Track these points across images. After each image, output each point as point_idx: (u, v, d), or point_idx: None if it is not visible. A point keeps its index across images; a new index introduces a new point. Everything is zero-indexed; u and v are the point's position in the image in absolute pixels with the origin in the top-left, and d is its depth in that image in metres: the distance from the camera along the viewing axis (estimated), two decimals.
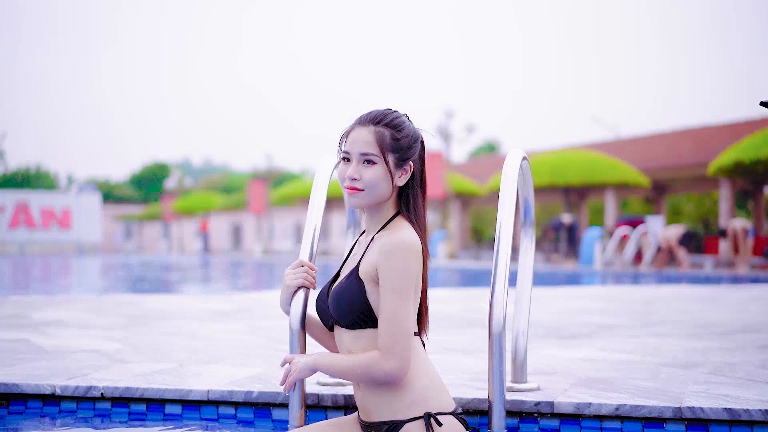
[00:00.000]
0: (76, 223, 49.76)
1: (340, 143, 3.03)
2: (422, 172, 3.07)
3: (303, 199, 38.22)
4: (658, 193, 35.12)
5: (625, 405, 3.51)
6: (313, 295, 3.25)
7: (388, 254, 2.84)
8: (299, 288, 3.15)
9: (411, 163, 3.00)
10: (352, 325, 2.95)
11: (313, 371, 2.97)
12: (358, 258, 3.01)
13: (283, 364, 3.03)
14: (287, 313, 3.17)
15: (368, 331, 2.93)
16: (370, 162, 2.93)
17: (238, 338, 6.01)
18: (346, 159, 2.99)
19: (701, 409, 3.45)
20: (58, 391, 3.93)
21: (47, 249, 49.96)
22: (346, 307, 2.92)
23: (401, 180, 2.99)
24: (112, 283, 17.45)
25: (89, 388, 3.91)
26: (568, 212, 29.91)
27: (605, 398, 3.64)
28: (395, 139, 2.95)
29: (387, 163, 2.93)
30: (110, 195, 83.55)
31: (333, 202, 37.41)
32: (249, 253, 47.60)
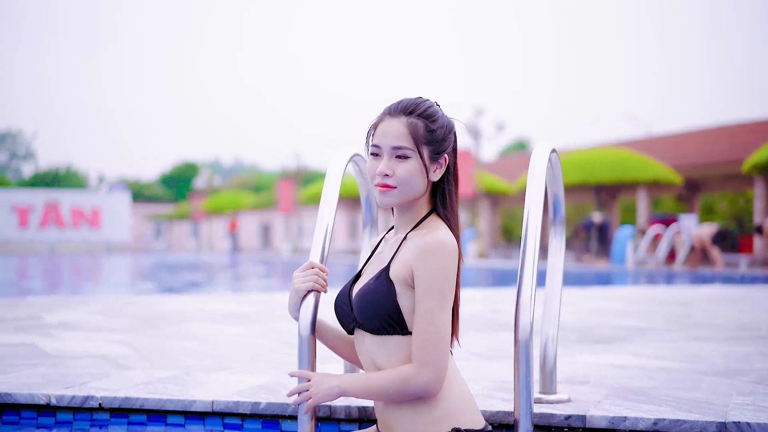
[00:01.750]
0: (106, 223, 49.88)
1: (368, 136, 2.78)
2: (455, 165, 2.81)
3: None
4: (691, 191, 34.59)
5: (664, 419, 3.21)
6: (323, 298, 2.97)
7: (427, 256, 2.59)
8: (309, 292, 2.86)
9: (446, 156, 2.75)
10: (378, 331, 2.68)
11: (339, 396, 2.69)
12: (386, 257, 2.75)
13: (292, 375, 2.75)
14: (296, 318, 2.88)
15: (395, 338, 2.66)
16: (403, 156, 2.68)
17: (250, 342, 5.75)
18: (376, 154, 2.72)
19: (748, 424, 3.14)
20: (54, 402, 3.67)
21: (77, 248, 50.05)
22: (374, 310, 2.65)
23: (436, 175, 2.74)
24: (131, 283, 17.29)
25: (86, 398, 3.65)
26: (599, 211, 29.51)
27: (642, 411, 3.33)
28: (430, 131, 2.70)
29: (422, 157, 2.68)
30: (140, 194, 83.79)
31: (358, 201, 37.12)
32: (277, 252, 47.46)
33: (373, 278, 2.70)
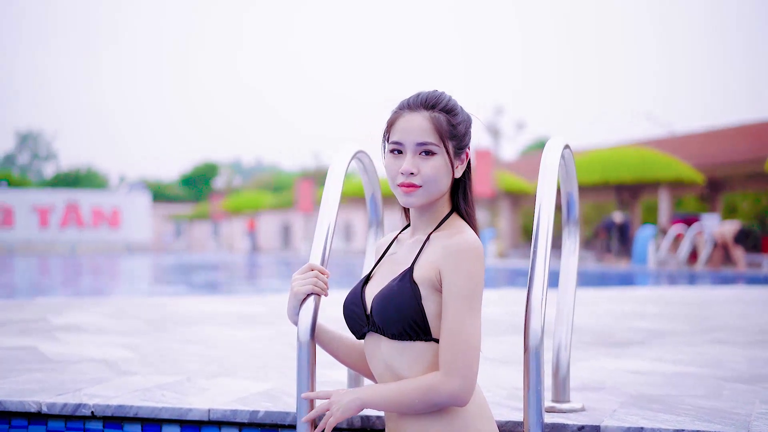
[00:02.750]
0: (126, 223, 49.95)
1: (385, 134, 2.63)
2: (470, 160, 2.67)
3: (351, 198, 37.90)
4: (713, 190, 34.26)
5: (683, 430, 3.03)
6: (327, 300, 2.81)
7: (456, 258, 2.43)
8: (309, 295, 2.70)
9: (467, 151, 2.62)
10: (399, 336, 2.51)
11: (361, 409, 2.51)
12: (406, 259, 2.59)
13: (307, 398, 2.58)
14: (295, 323, 2.72)
15: (418, 345, 2.50)
16: (429, 153, 2.53)
17: (259, 346, 5.60)
18: (397, 151, 2.57)
19: None
20: (45, 409, 3.53)
21: (97, 248, 50.12)
22: (396, 314, 2.48)
23: (459, 171, 2.61)
24: (145, 285, 17.19)
25: (78, 405, 3.51)
26: (621, 211, 29.26)
27: (660, 422, 3.16)
28: (452, 125, 2.56)
29: (448, 153, 2.54)
30: (161, 194, 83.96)
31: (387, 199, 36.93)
32: (297, 252, 47.37)
33: (395, 280, 2.54)
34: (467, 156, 2.63)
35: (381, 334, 2.57)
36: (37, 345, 5.43)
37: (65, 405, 3.51)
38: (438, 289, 2.48)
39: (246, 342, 5.83)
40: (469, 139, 2.64)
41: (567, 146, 3.28)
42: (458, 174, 2.61)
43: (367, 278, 2.72)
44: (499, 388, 3.95)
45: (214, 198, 63.17)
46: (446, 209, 2.63)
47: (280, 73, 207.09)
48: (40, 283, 17.46)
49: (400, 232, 2.78)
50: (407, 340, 2.51)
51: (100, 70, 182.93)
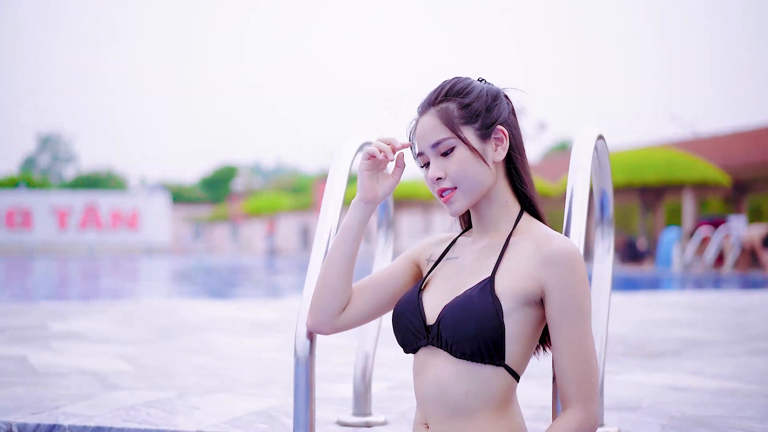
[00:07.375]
0: (145, 225, 49.73)
1: (413, 148, 2.29)
2: (519, 135, 2.28)
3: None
4: (738, 192, 33.73)
5: None
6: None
7: (565, 268, 2.07)
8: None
9: (502, 127, 2.20)
10: (470, 356, 2.07)
11: None
12: (479, 266, 2.19)
13: None
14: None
15: (486, 370, 2.07)
16: (447, 151, 2.17)
17: (267, 357, 5.23)
18: (426, 164, 2.24)
19: None
20: (15, 430, 3.17)
21: (116, 250, 49.94)
22: (475, 331, 2.05)
23: (498, 154, 2.20)
24: (158, 288, 16.87)
25: (53, 427, 3.14)
26: (645, 214, 28.83)
27: None
28: (464, 107, 2.17)
29: (466, 141, 2.15)
30: (180, 196, 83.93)
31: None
32: None
33: (474, 290, 2.11)
34: (504, 134, 2.21)
35: (446, 350, 2.14)
36: (27, 355, 5.07)
37: (38, 426, 3.15)
38: (527, 303, 2.10)
39: (252, 352, 5.46)
40: (500, 112, 2.22)
41: (601, 137, 2.89)
42: (499, 157, 2.21)
43: (422, 285, 2.30)
44: (524, 407, 3.55)
45: (233, 200, 63.06)
46: (513, 205, 2.26)
47: (300, 76, 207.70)
48: (50, 286, 17.15)
49: (459, 236, 2.37)
50: (477, 362, 2.09)
51: (120, 73, 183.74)
